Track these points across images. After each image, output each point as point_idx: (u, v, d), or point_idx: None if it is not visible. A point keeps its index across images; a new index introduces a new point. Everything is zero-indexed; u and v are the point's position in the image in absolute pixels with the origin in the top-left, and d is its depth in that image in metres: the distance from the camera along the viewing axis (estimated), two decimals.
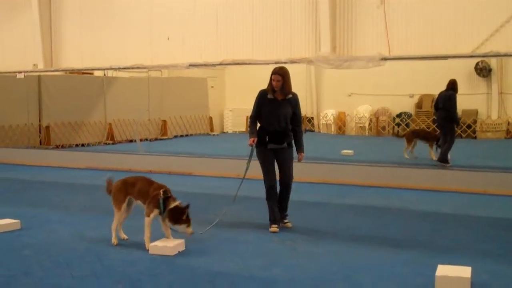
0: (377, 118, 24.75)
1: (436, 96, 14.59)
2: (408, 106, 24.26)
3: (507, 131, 21.90)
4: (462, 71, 22.43)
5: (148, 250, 6.71)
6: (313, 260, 6.45)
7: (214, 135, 25.68)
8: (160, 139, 22.71)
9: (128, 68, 17.14)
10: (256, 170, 8.03)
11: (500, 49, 11.06)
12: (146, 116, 20.76)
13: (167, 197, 6.82)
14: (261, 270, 6.08)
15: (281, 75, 7.78)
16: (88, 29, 16.86)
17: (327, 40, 12.83)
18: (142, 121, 21.02)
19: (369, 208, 9.73)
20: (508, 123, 22.02)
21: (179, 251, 6.73)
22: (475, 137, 22.36)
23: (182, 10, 15.26)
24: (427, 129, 18.13)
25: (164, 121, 23.49)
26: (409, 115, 24.17)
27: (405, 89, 23.60)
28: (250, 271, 6.02)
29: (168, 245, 6.69)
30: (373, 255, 6.68)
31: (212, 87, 26.78)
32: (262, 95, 7.97)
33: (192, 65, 14.83)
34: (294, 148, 8.12)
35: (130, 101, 21.29)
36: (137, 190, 7.08)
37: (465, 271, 5.54)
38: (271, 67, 16.13)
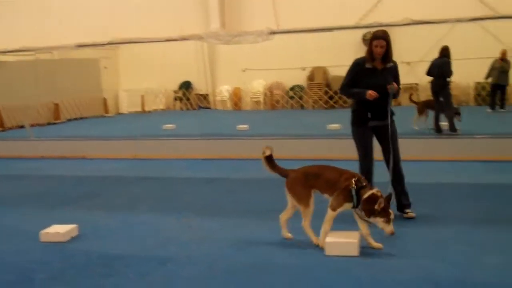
0: (271, 92, 25.06)
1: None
2: (300, 79, 24.69)
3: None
4: (350, 42, 22.99)
5: (323, 249, 5.69)
6: (210, 235, 6.50)
7: (109, 116, 25.17)
8: (53, 123, 22.01)
9: (14, 51, 16.47)
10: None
11: (382, 19, 11.44)
12: (37, 100, 20.04)
13: (362, 187, 5.72)
14: (157, 249, 6.07)
15: (385, 39, 6.63)
16: None
17: (216, 16, 12.89)
18: (32, 106, 20.28)
19: (265, 181, 9.81)
20: None
21: (72, 237, 6.57)
22: None
23: None
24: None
25: (56, 105, 22.73)
26: (302, 88, 24.63)
27: (297, 62, 23.96)
28: (146, 251, 5.99)
29: (60, 231, 6.51)
30: (268, 226, 6.78)
31: (105, 68, 26.17)
32: (358, 64, 6.87)
33: (79, 46, 14.45)
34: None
35: (19, 85, 20.47)
36: (325, 181, 5.96)
37: (353, 236, 5.74)
38: (163, 45, 16.00)
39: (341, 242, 5.61)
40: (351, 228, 5.89)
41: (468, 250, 5.60)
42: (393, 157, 6.78)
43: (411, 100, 14.32)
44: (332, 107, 23.71)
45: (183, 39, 13.40)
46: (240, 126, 16.61)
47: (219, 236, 6.46)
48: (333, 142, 12.41)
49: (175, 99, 27.14)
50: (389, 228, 5.56)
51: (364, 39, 23.15)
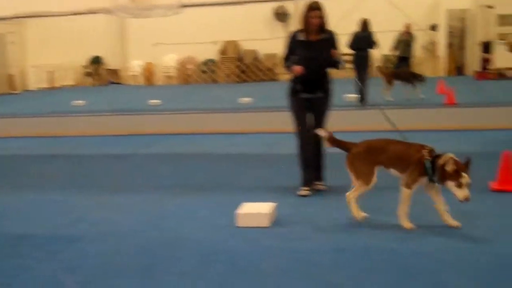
0: (184, 67, 24.91)
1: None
2: (212, 53, 24.65)
3: None
4: (262, 17, 23.22)
5: (410, 228, 5.38)
6: (121, 212, 6.45)
7: (16, 93, 24.33)
8: None
9: None
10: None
11: None
12: None
13: (436, 156, 5.26)
14: (66, 227, 5.97)
15: (321, 10, 6.56)
16: None
17: None
18: None
19: (176, 156, 9.87)
20: None
21: None
22: (276, 80, 23.37)
23: None
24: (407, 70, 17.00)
25: None
26: (214, 62, 24.59)
27: (209, 36, 23.91)
28: (55, 230, 5.89)
29: None
30: (179, 200, 6.83)
31: (12, 42, 25.24)
32: (291, 37, 6.79)
33: None
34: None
35: None
36: (390, 155, 5.55)
37: (266, 207, 5.81)
38: (70, 19, 15.48)
39: (252, 213, 5.69)
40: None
41: (373, 217, 5.80)
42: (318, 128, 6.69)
43: (380, 71, 14.88)
44: (244, 81, 23.84)
45: (91, 12, 13.09)
46: (152, 101, 16.46)
47: (130, 213, 6.43)
48: (244, 116, 12.55)
49: (86, 74, 26.54)
50: (461, 193, 5.06)
51: (275, 13, 23.35)
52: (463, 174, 5.06)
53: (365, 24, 14.05)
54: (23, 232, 5.86)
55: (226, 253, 5.02)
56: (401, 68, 15.58)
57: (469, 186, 5.07)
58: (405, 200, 5.42)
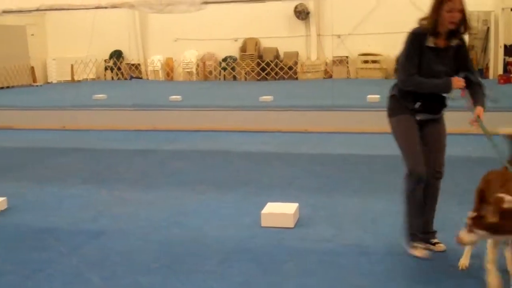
0: (204, 63, 24.90)
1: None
2: (233, 50, 24.62)
3: (325, 71, 23.08)
4: (282, 14, 23.16)
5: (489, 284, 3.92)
6: (142, 208, 6.46)
7: (37, 85, 24.47)
8: None
9: None
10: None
11: None
12: None
13: None
14: (88, 222, 5.99)
15: (462, 2, 4.51)
16: None
17: None
18: None
19: (197, 153, 9.86)
20: (326, 64, 23.18)
21: (1, 210, 6.41)
22: (297, 78, 23.30)
23: None
24: None
25: None
26: (234, 59, 24.57)
27: (230, 33, 23.88)
28: (77, 225, 5.91)
29: None
30: (202, 198, 6.82)
31: (32, 35, 25.37)
32: (419, 39, 4.60)
33: (5, 12, 13.96)
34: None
35: None
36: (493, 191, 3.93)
37: (290, 208, 5.78)
38: (92, 13, 15.55)
39: (276, 213, 5.67)
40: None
41: (397, 221, 5.75)
42: (437, 162, 4.85)
43: None
44: (264, 78, 23.77)
45: (114, 7, 13.11)
46: (173, 97, 16.47)
47: (151, 209, 6.43)
48: (265, 114, 12.52)
49: (106, 68, 26.65)
50: None
51: (295, 11, 23.26)
52: None
53: None
54: (47, 226, 5.89)
55: (249, 252, 5.01)
56: None
57: None
58: (488, 248, 3.96)
